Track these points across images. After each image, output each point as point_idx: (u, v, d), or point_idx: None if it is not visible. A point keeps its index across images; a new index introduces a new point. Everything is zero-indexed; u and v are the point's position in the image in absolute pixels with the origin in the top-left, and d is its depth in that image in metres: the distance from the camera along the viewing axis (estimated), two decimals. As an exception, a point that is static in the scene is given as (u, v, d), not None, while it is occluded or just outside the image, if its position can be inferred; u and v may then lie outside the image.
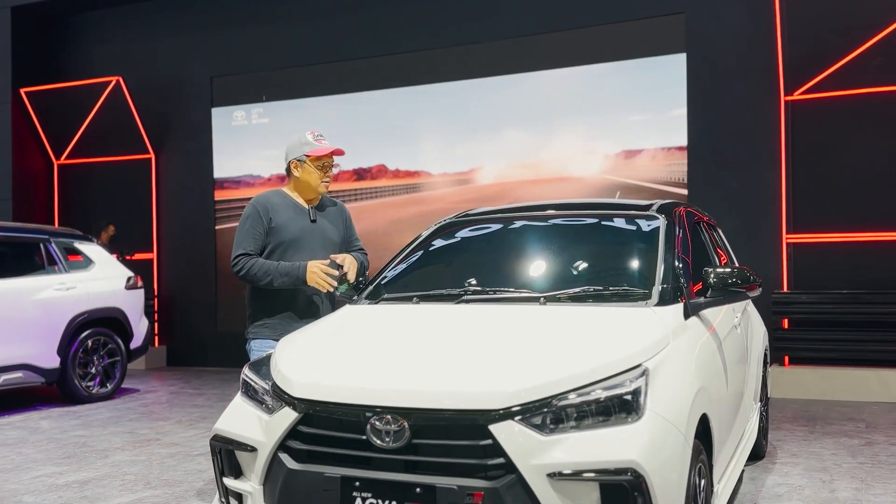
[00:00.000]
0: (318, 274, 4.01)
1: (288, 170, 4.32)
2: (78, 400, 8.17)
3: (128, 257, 10.68)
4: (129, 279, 8.89)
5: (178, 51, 11.52)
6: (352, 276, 4.11)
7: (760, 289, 3.78)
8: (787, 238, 8.40)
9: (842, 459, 5.39)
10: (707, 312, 3.77)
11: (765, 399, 5.51)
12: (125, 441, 6.41)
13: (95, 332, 8.39)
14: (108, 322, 8.58)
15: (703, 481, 3.16)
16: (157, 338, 11.44)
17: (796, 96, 8.37)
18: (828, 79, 8.23)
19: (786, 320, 8.36)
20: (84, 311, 8.26)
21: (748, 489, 4.73)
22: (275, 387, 3.14)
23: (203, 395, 8.79)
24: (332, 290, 4.04)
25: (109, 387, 8.50)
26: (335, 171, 4.36)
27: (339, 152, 4.30)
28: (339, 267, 4.05)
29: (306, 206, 4.31)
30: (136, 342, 8.91)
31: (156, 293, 11.50)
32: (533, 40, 9.66)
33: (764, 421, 5.48)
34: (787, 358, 8.25)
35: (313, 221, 4.29)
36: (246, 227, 4.18)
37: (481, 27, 9.87)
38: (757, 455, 5.26)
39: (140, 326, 8.99)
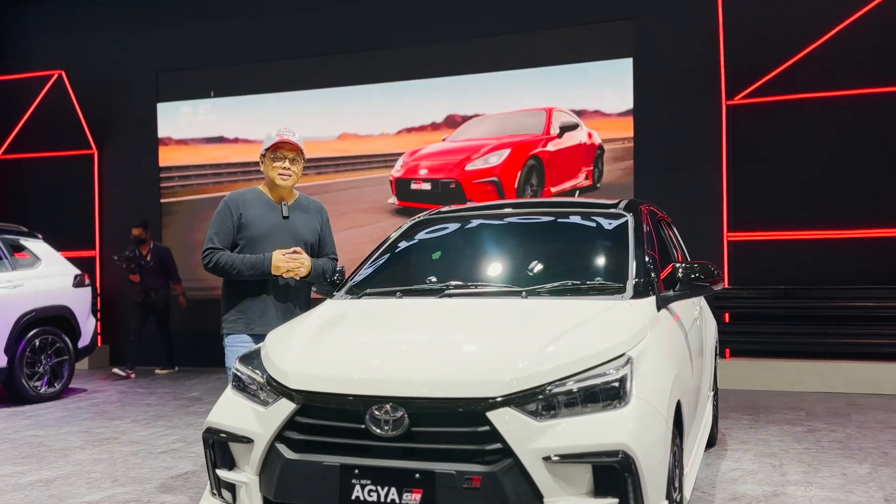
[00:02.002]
0: (281, 266, 4.12)
1: None
2: (25, 400, 8.01)
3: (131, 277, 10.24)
4: (76, 277, 8.74)
5: (123, 44, 11.32)
6: (302, 272, 4.20)
7: (723, 283, 4.00)
8: (727, 236, 8.77)
9: (788, 445, 5.70)
10: (673, 305, 3.98)
11: (715, 389, 5.78)
12: (83, 440, 6.33)
13: (43, 330, 8.24)
14: (55, 321, 8.43)
15: (676, 464, 3.35)
16: (99, 337, 11.23)
17: (737, 101, 8.74)
18: (766, 84, 8.63)
19: (727, 315, 8.72)
20: (31, 309, 8.10)
21: (705, 474, 4.97)
22: (270, 379, 3.21)
23: (154, 394, 8.70)
24: (297, 278, 4.19)
25: (57, 386, 8.35)
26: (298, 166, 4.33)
27: (287, 142, 4.19)
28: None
29: (279, 203, 4.35)
30: (84, 341, 8.77)
31: (98, 292, 11.29)
32: (480, 43, 9.82)
33: (715, 410, 5.74)
34: (728, 351, 8.62)
35: (285, 218, 4.33)
36: (216, 222, 4.24)
37: (431, 29, 9.99)
38: (709, 442, 5.51)
39: (88, 325, 8.84)
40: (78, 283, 8.74)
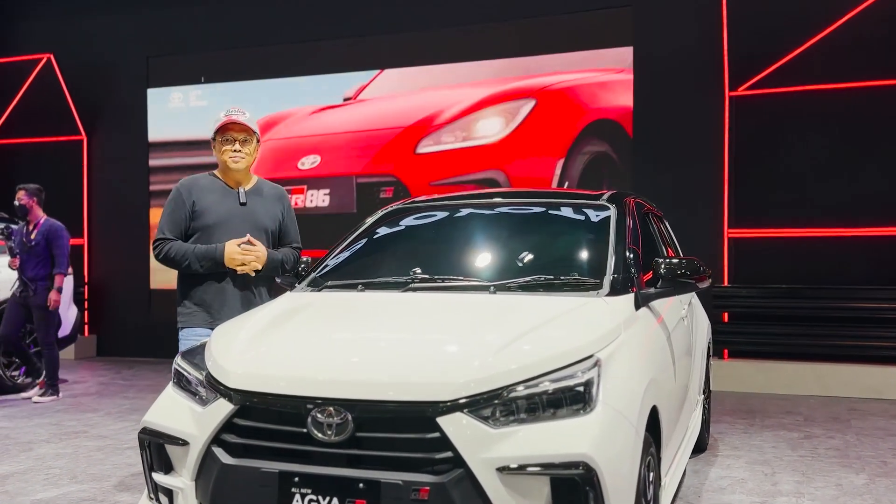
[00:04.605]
0: (236, 258, 3.87)
1: None
2: (1, 390, 7.78)
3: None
4: (57, 265, 8.48)
5: (113, 29, 11.07)
6: (257, 266, 3.96)
7: (710, 280, 3.74)
8: (728, 232, 8.46)
9: (782, 452, 5.42)
10: (656, 303, 3.71)
11: (707, 392, 5.52)
12: (51, 433, 6.12)
13: (21, 319, 7.99)
14: (34, 309, 8.18)
15: (651, 474, 3.10)
16: (86, 327, 11.03)
17: (740, 92, 8.43)
18: (771, 75, 8.31)
19: (726, 314, 8.44)
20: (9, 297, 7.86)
21: (692, 482, 4.71)
22: (209, 377, 2.97)
23: (134, 386, 8.48)
24: (252, 273, 3.95)
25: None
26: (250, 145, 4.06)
27: (236, 123, 3.94)
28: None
29: (235, 188, 4.10)
30: (64, 331, 8.52)
31: (86, 280, 11.08)
32: (478, 30, 9.54)
33: (706, 414, 5.48)
34: (726, 351, 8.34)
35: (243, 204, 4.08)
36: (167, 211, 4.02)
37: (428, 14, 9.72)
38: (700, 448, 5.25)
39: (69, 314, 8.61)
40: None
